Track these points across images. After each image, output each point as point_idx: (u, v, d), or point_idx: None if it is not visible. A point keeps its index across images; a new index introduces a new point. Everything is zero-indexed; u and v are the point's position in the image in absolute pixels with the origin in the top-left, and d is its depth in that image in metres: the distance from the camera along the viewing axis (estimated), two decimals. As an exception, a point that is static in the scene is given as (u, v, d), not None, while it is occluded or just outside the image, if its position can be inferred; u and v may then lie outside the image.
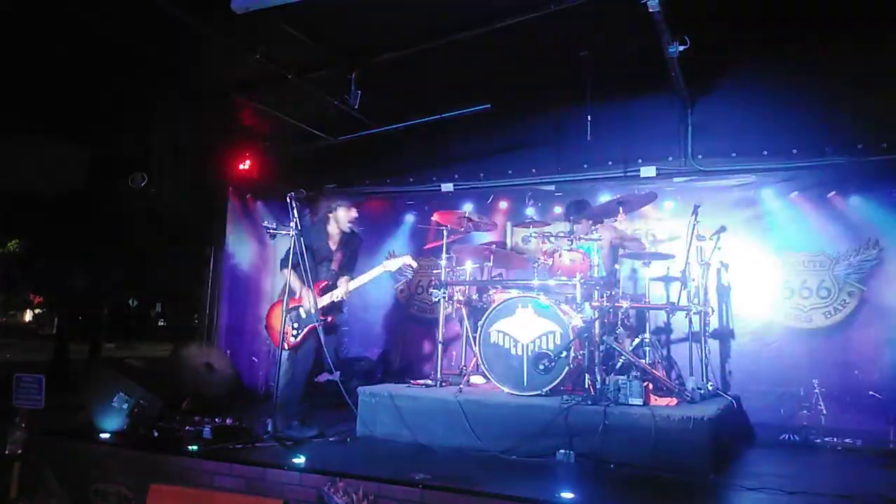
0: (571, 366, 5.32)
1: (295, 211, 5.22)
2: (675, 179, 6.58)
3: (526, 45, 5.96)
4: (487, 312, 5.56)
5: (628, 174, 6.61)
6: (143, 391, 5.31)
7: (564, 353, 5.33)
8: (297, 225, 5.21)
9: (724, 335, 6.42)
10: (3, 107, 6.13)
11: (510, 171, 7.19)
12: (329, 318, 5.45)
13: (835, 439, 5.68)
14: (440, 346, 5.99)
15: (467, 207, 7.39)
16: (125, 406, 5.17)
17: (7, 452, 4.70)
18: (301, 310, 5.45)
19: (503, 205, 7.54)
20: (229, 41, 5.62)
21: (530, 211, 7.04)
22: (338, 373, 6.30)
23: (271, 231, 5.44)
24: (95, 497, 4.60)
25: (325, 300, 5.45)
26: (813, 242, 6.30)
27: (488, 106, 6.26)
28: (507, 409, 4.97)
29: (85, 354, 15.75)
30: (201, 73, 6.45)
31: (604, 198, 6.71)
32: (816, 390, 5.93)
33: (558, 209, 7.19)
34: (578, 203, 6.36)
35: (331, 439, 5.14)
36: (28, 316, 38.17)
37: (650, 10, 4.61)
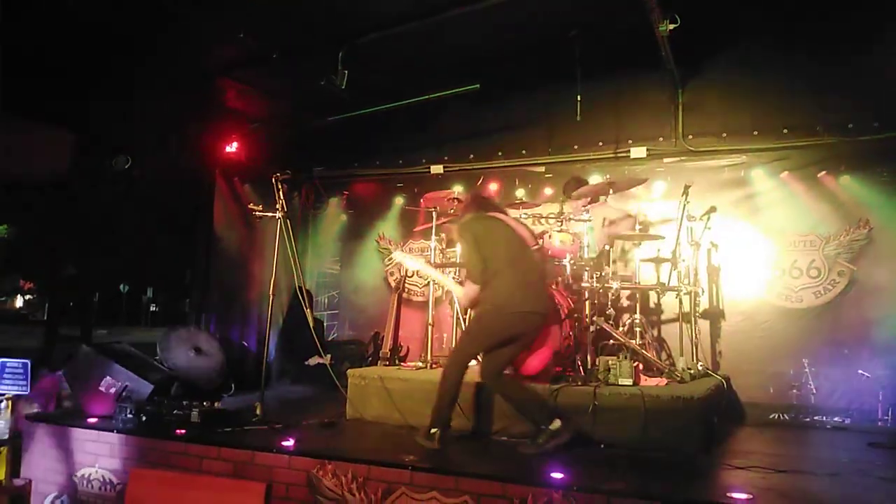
0: (562, 346, 5.31)
1: (281, 193, 5.16)
2: (666, 160, 6.54)
3: (515, 24, 5.90)
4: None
5: (619, 155, 6.58)
6: (131, 375, 5.27)
7: (555, 334, 5.31)
8: (283, 207, 5.16)
9: (715, 315, 6.42)
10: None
11: (500, 153, 7.15)
12: None
13: (824, 418, 5.70)
14: (430, 328, 5.97)
15: (457, 189, 7.36)
16: (112, 390, 5.14)
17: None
18: None
19: (493, 186, 7.48)
20: (214, 21, 5.53)
21: (520, 192, 6.99)
22: (328, 356, 6.30)
23: (258, 213, 5.39)
24: (81, 482, 4.58)
25: None
26: (803, 222, 6.29)
27: (477, 86, 6.19)
28: (497, 390, 4.95)
29: (76, 340, 15.67)
30: (186, 54, 6.34)
31: (594, 179, 6.67)
32: (806, 369, 5.95)
33: (549, 190, 7.15)
34: (576, 180, 6.31)
35: (321, 422, 5.12)
36: (19, 302, 38.04)
37: (640, -13, 4.56)
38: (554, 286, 5.48)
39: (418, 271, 5.03)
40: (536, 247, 4.68)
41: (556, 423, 4.22)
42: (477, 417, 4.86)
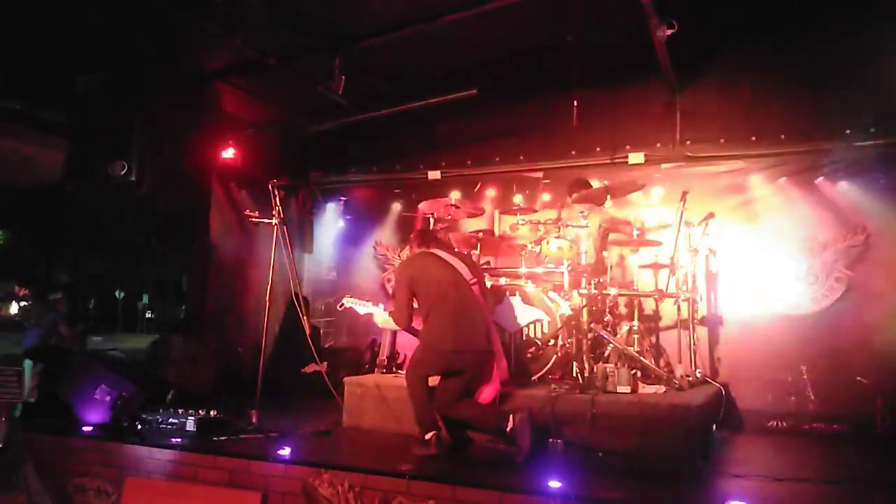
0: (559, 354, 5.29)
1: (278, 199, 5.15)
2: (664, 166, 6.53)
3: (513, 29, 5.90)
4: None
5: (616, 161, 6.55)
6: (126, 383, 5.23)
7: (552, 342, 5.30)
8: (279, 213, 5.14)
9: (713, 322, 6.40)
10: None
11: (497, 158, 7.12)
12: None
13: (822, 425, 5.68)
14: (427, 335, 5.92)
15: (454, 195, 7.33)
16: (108, 398, 5.10)
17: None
18: None
19: (491, 192, 7.47)
20: (211, 26, 5.51)
21: (518, 198, 6.98)
22: (325, 363, 6.26)
23: (254, 219, 5.37)
24: (75, 491, 4.53)
25: None
26: (801, 228, 6.28)
27: (474, 92, 6.18)
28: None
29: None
30: (183, 59, 6.33)
31: (594, 184, 6.66)
32: (804, 376, 5.93)
33: (546, 196, 7.14)
34: (580, 182, 6.30)
35: (317, 430, 5.09)
36: (14, 308, 37.88)
37: (637, -7, 4.55)
38: None
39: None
40: (475, 281, 4.69)
41: (511, 418, 4.26)
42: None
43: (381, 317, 4.81)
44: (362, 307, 4.92)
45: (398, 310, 4.59)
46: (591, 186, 6.31)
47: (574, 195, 5.95)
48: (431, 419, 4.43)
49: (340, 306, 5.05)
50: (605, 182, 6.28)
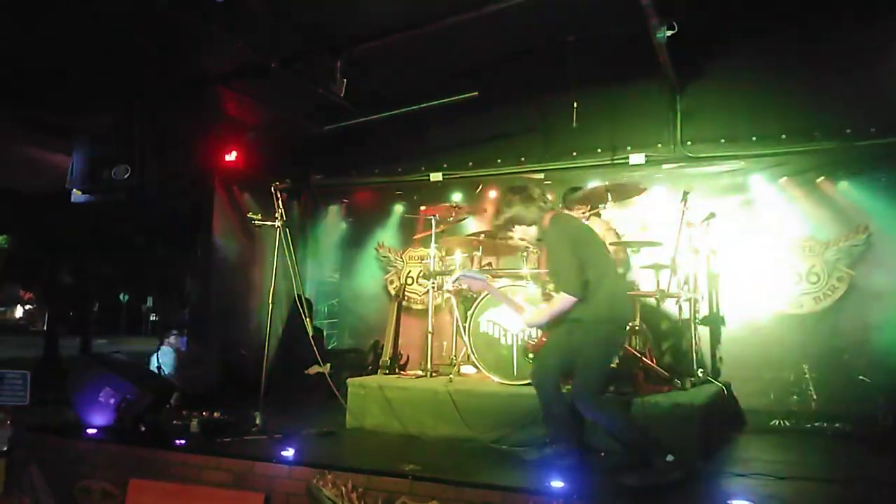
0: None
1: (280, 202, 5.17)
2: (664, 166, 6.55)
3: (513, 31, 5.92)
4: (477, 302, 5.52)
5: (617, 162, 6.58)
6: (130, 386, 5.25)
7: (554, 342, 5.29)
8: (282, 216, 5.17)
9: (714, 322, 6.41)
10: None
11: (498, 160, 7.15)
12: None
13: (825, 424, 5.68)
14: (430, 336, 5.96)
15: (456, 196, 7.37)
16: (112, 401, 5.13)
17: (-6, 449, 4.66)
18: None
19: (492, 193, 7.49)
20: (212, 30, 5.54)
21: (519, 199, 6.96)
22: (328, 364, 6.29)
23: (257, 222, 5.39)
24: (80, 494, 4.55)
25: None
26: (802, 228, 6.30)
27: (475, 94, 6.20)
28: (497, 398, 4.95)
29: (76, 350, 15.72)
30: (185, 63, 6.36)
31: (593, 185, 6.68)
32: (806, 375, 5.94)
33: (547, 197, 7.14)
34: (574, 190, 6.32)
35: (320, 432, 5.11)
36: (19, 312, 38.03)
37: (637, -5, 4.57)
38: None
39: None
40: None
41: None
42: (477, 426, 4.84)
43: (509, 300, 4.17)
44: (479, 282, 4.52)
45: (570, 278, 3.70)
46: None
47: (570, 198, 5.96)
48: (645, 441, 3.81)
49: (455, 282, 4.81)
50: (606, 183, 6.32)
